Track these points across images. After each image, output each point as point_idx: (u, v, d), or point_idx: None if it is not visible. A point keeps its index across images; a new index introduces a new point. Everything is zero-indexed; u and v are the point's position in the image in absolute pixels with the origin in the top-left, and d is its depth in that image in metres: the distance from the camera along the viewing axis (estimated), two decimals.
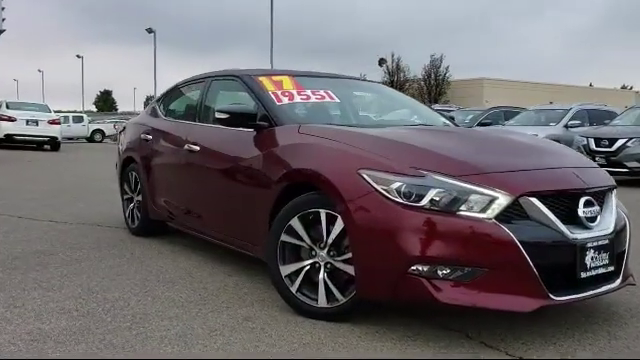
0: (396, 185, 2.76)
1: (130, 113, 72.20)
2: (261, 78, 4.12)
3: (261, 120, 3.72)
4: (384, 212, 2.76)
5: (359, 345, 2.83)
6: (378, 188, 2.79)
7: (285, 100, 3.86)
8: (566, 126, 13.26)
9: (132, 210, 5.47)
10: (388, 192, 2.76)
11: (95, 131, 33.70)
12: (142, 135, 5.23)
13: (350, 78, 4.66)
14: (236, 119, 3.71)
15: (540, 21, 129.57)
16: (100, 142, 33.12)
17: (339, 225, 3.00)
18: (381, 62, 57.08)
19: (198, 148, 4.25)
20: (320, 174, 3.05)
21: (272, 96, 3.87)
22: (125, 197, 5.63)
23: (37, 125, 18.93)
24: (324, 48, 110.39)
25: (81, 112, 46.16)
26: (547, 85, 39.66)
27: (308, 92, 4.02)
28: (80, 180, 10.58)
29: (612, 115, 14.24)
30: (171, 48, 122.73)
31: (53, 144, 19.85)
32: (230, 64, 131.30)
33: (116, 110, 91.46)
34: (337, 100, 4.15)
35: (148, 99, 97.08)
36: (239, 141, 3.81)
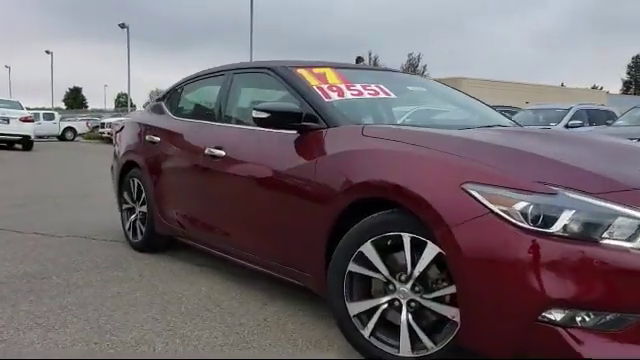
0: (521, 205, 2.14)
1: (101, 111, 70.62)
2: (300, 70, 3.47)
3: (306, 120, 3.07)
4: (503, 240, 2.14)
5: None
6: (495, 209, 2.17)
7: (334, 96, 3.22)
8: (567, 126, 12.88)
9: (134, 222, 4.77)
10: (509, 214, 2.14)
11: (66, 129, 32.43)
12: (147, 137, 4.54)
13: (393, 71, 4.02)
14: (278, 119, 3.06)
15: (511, 22, 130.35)
16: (72, 140, 31.89)
17: (429, 253, 2.38)
18: (358, 61, 56.45)
19: (224, 153, 3.58)
20: (405, 189, 2.42)
21: (318, 91, 3.23)
22: (125, 207, 4.92)
23: (8, 123, 17.86)
24: (301, 46, 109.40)
25: (50, 109, 44.70)
26: (528, 85, 39.53)
27: (358, 86, 3.39)
28: (60, 183, 9.78)
29: (610, 115, 13.95)
30: (143, 45, 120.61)
31: (25, 143, 18.76)
32: (205, 61, 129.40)
33: (86, 107, 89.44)
34: (393, 96, 3.51)
35: (119, 96, 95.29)
36: (280, 145, 3.17)
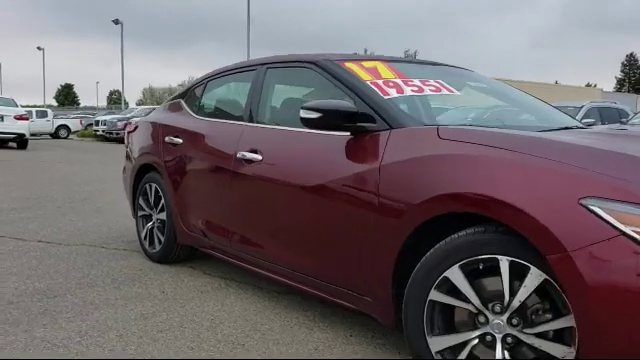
0: None
1: (92, 108, 69.89)
2: (349, 64, 3.08)
3: (362, 120, 2.68)
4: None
5: None
6: (628, 231, 1.77)
7: (393, 92, 2.82)
8: None
9: (151, 231, 4.36)
10: None
11: (60, 127, 31.78)
12: (167, 138, 4.13)
13: (446, 65, 3.62)
14: (331, 119, 2.66)
15: (505, 20, 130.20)
16: (65, 138, 31.26)
17: (533, 280, 2.00)
18: None
19: (260, 157, 3.18)
20: (506, 203, 2.03)
21: (374, 87, 2.83)
22: (140, 214, 4.51)
23: (2, 121, 17.29)
24: (295, 43, 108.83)
25: (42, 106, 44.01)
26: (523, 83, 39.28)
27: (416, 82, 3.00)
28: (61, 184, 9.32)
29: (622, 113, 13.64)
30: (135, 42, 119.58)
31: (20, 142, 18.19)
32: (197, 59, 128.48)
33: (78, 105, 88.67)
34: (457, 93, 3.12)
35: (112, 94, 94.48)
36: (330, 149, 2.78)
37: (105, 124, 27.57)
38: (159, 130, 4.30)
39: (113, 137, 26.52)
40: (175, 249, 4.16)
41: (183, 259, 4.31)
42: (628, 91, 71.00)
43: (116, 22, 41.39)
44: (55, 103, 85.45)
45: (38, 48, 58.52)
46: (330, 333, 2.98)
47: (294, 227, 2.99)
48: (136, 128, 4.75)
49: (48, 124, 29.50)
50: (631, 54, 79.43)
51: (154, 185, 4.29)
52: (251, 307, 3.37)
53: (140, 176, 4.50)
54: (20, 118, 17.49)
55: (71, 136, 31.84)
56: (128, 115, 27.95)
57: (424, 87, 2.95)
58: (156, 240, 4.29)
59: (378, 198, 2.46)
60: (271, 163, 3.13)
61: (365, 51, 54.79)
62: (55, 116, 32.77)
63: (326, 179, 2.75)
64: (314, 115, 2.68)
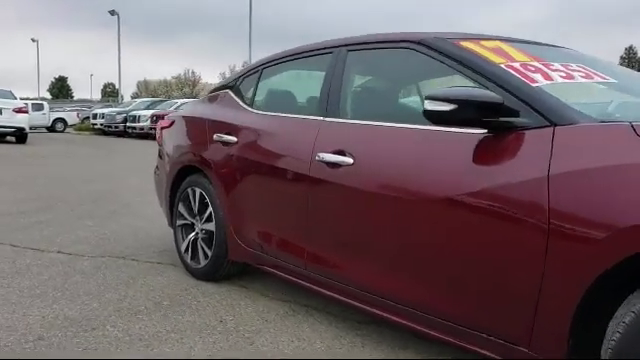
0: None
1: (86, 100, 68.76)
2: (466, 44, 2.47)
3: (507, 114, 2.07)
4: None
5: None
6: None
7: (540, 79, 2.22)
8: None
9: (193, 242, 3.74)
10: None
11: (56, 120, 31.00)
12: (216, 135, 3.51)
13: (556, 46, 3.00)
14: (468, 112, 2.05)
15: (497, 11, 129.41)
16: (62, 132, 30.51)
17: None
18: None
19: (351, 161, 2.56)
20: None
21: (514, 73, 2.22)
22: (179, 223, 3.89)
23: (0, 114, 16.57)
24: (291, 36, 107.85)
25: (36, 99, 43.12)
26: None
27: (558, 66, 2.39)
28: (67, 183, 8.68)
29: None
30: (129, 34, 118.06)
31: (19, 136, 17.43)
32: (193, 51, 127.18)
33: (72, 97, 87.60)
34: (612, 80, 2.51)
35: (106, 86, 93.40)
36: (459, 150, 2.18)
37: (103, 117, 26.83)
38: (205, 126, 3.68)
39: (112, 131, 25.85)
40: (225, 265, 3.56)
41: (231, 276, 3.70)
42: None
43: (112, 13, 40.59)
44: (49, 96, 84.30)
45: (32, 40, 57.54)
46: None
47: (403, 250, 2.39)
48: (172, 124, 4.12)
49: (44, 117, 28.71)
50: (630, 47, 78.91)
51: (198, 190, 3.67)
52: (334, 343, 2.77)
53: (180, 179, 3.88)
54: (19, 111, 16.75)
55: (68, 129, 31.10)
56: (127, 108, 27.24)
57: (573, 73, 2.34)
58: (200, 254, 3.68)
59: (548, 220, 1.85)
60: (369, 168, 2.52)
61: None
62: (51, 109, 31.95)
63: (457, 191, 2.14)
64: (446, 107, 2.07)
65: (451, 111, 2.07)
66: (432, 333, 2.30)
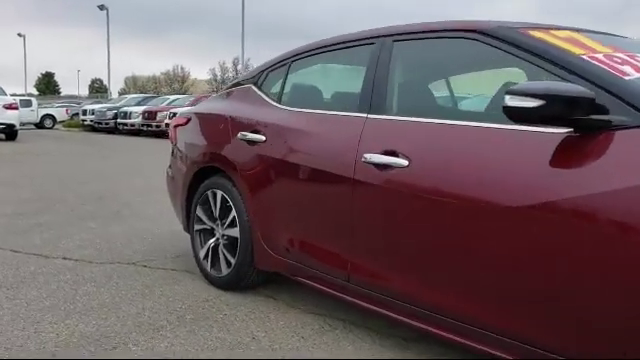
0: None
1: (73, 97, 67.92)
2: (536, 33, 2.22)
3: (598, 111, 1.82)
4: None
5: None
6: None
7: (632, 72, 1.98)
8: None
9: (214, 249, 3.47)
10: None
11: (45, 116, 30.49)
12: (240, 134, 3.23)
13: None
14: (556, 109, 1.80)
15: (490, 4, 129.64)
16: (51, 128, 29.99)
17: None
18: None
19: (405, 162, 2.30)
20: None
21: (601, 65, 1.97)
22: (197, 227, 3.62)
23: None
24: (279, 32, 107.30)
25: (23, 95, 42.44)
26: None
27: None
28: (63, 182, 8.36)
29: None
30: (117, 30, 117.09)
31: (10, 133, 16.95)
32: (182, 48, 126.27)
33: (59, 93, 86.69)
34: None
35: (94, 82, 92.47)
36: (538, 152, 1.92)
37: (93, 113, 26.39)
38: (227, 124, 3.41)
39: (102, 127, 25.44)
40: (250, 274, 3.29)
41: (256, 285, 3.44)
42: None
43: (101, 8, 39.99)
44: (35, 92, 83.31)
45: (19, 35, 56.70)
46: None
47: (465, 262, 2.13)
48: (188, 121, 3.84)
49: (32, 114, 28.19)
50: None
51: (220, 192, 3.40)
52: None
53: (198, 180, 3.61)
54: (9, 107, 16.31)
55: (57, 126, 30.60)
56: (118, 104, 26.81)
57: None
58: (222, 261, 3.41)
59: None
60: (427, 171, 2.26)
61: None
62: (39, 105, 31.41)
63: (535, 199, 1.89)
64: (531, 103, 1.82)
65: (537, 107, 1.82)
66: (490, 350, 2.05)
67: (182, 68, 74.50)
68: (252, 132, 3.19)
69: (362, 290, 2.56)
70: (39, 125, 29.19)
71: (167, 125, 21.07)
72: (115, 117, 24.66)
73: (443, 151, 2.25)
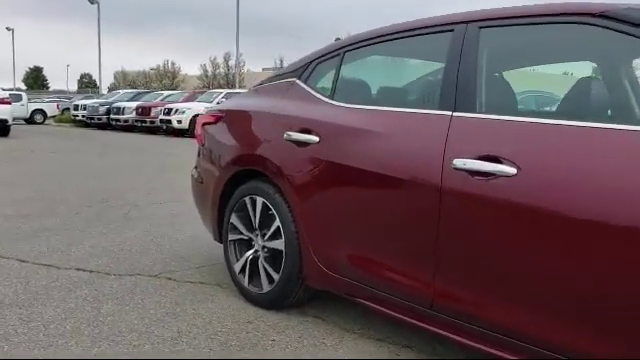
0: None
1: (64, 91, 66.90)
2: None
3: None
4: None
5: None
6: None
7: None
8: None
9: (251, 262, 3.08)
10: None
11: (35, 111, 29.87)
12: (287, 134, 2.84)
13: None
14: None
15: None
16: (41, 124, 29.37)
17: None
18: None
19: (513, 171, 1.95)
20: None
21: None
22: (232, 237, 3.22)
23: None
24: (277, 26, 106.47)
25: (12, 89, 41.64)
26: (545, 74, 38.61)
27: None
28: (64, 181, 7.93)
29: None
30: (105, 24, 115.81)
31: (2, 129, 16.43)
32: (172, 42, 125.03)
33: (47, 88, 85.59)
34: None
35: (82, 77, 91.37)
36: None
37: (85, 109, 25.83)
38: (269, 122, 3.02)
39: (95, 123, 24.91)
40: (296, 291, 2.90)
41: (300, 304, 3.06)
42: None
43: (92, 2, 39.29)
44: (23, 86, 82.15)
45: (7, 29, 55.79)
46: None
47: (595, 290, 1.75)
48: (219, 119, 3.44)
49: (22, 109, 27.52)
50: None
51: (260, 199, 3.01)
52: None
53: (233, 185, 3.21)
54: (1, 102, 15.79)
55: (47, 121, 29.99)
56: (110, 100, 26.28)
57: None
58: (263, 277, 3.03)
59: None
60: (545, 182, 1.88)
61: (349, 35, 53.25)
62: (29, 100, 30.75)
63: None
64: None
65: None
66: None
67: (172, 63, 73.61)
68: (301, 132, 2.80)
69: (449, 319, 2.18)
70: (29, 120, 28.55)
71: (161, 121, 20.60)
72: (108, 112, 24.16)
73: (561, 158, 1.87)
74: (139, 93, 27.17)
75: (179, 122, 19.99)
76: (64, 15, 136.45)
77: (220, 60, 64.05)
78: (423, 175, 2.21)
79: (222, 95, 21.65)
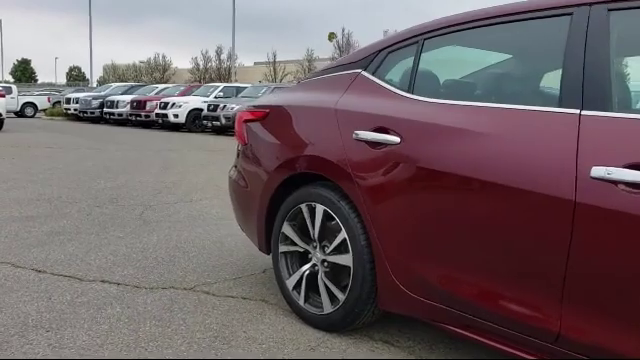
0: None
1: (52, 84, 65.92)
2: None
3: None
4: None
5: None
6: None
7: None
8: None
9: (308, 277, 2.72)
10: None
11: (26, 104, 29.25)
12: (356, 133, 2.46)
13: None
14: None
15: None
16: (32, 117, 28.77)
17: None
18: (331, 37, 54.28)
19: None
20: None
21: None
22: (284, 249, 2.85)
23: None
24: (270, 20, 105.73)
25: (1, 82, 40.83)
26: None
27: None
28: (68, 178, 7.51)
29: None
30: (94, 16, 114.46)
31: None
32: (161, 35, 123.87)
33: (35, 81, 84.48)
34: None
35: (71, 70, 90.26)
36: None
37: (77, 102, 25.27)
38: (333, 119, 2.65)
39: (87, 116, 24.39)
40: (365, 314, 2.53)
41: (366, 327, 2.69)
42: None
43: None
44: (11, 79, 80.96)
45: None
46: None
47: None
48: (266, 115, 3.06)
49: (13, 102, 26.91)
50: None
51: (320, 207, 2.64)
52: None
53: (285, 189, 2.84)
54: None
55: (38, 114, 29.39)
56: (103, 93, 25.73)
57: None
58: (324, 296, 2.66)
59: None
60: None
61: (342, 30, 52.96)
62: (19, 93, 30.10)
63: None
64: None
65: None
66: None
67: (163, 57, 72.74)
68: (376, 131, 2.43)
69: (579, 356, 1.82)
70: (19, 114, 27.95)
71: (157, 115, 20.12)
72: (101, 106, 23.64)
73: None
74: (132, 87, 26.63)
75: (176, 116, 19.55)
76: (53, 7, 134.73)
77: (212, 54, 63.40)
78: (549, 186, 1.85)
79: (219, 89, 21.22)
